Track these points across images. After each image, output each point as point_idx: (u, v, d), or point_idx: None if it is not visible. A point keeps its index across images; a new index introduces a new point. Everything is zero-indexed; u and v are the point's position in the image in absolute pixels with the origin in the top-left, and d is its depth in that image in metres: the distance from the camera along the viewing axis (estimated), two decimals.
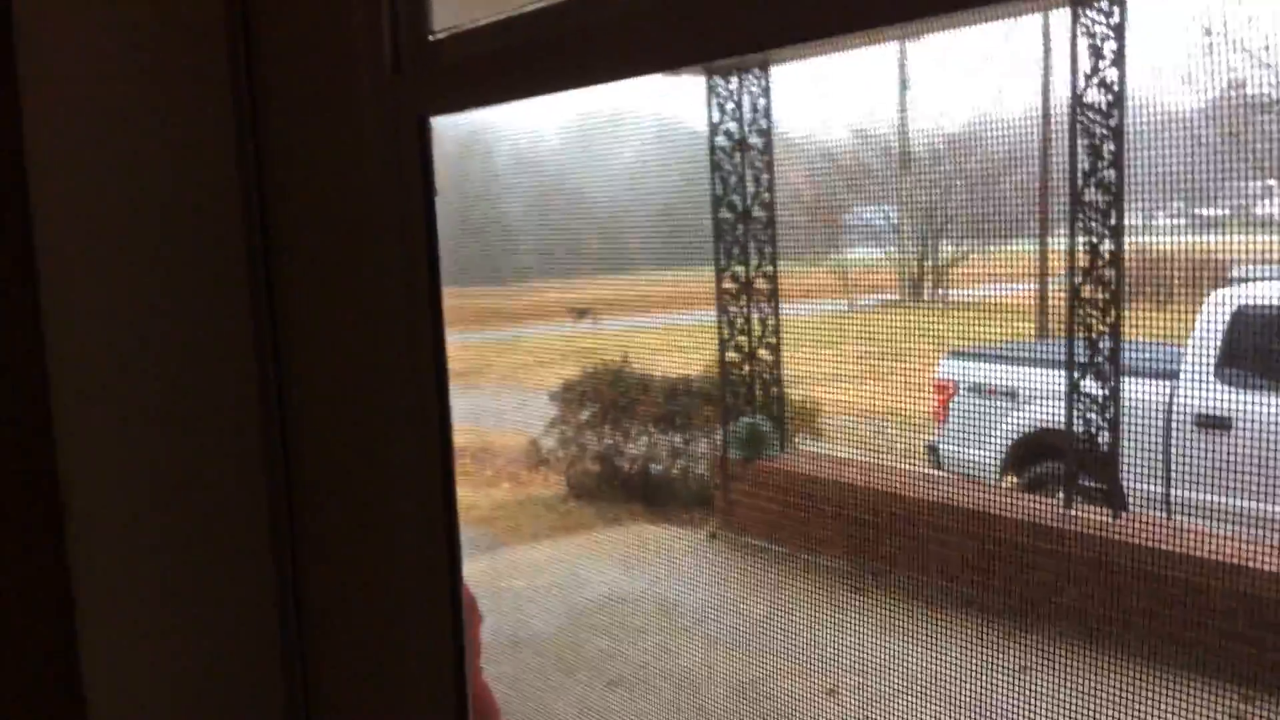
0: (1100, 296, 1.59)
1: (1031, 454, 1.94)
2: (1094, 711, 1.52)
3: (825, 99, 2.03)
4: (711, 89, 2.34)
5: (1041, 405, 1.88)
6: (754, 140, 2.33)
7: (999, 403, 1.96)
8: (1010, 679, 1.63)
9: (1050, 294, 1.78)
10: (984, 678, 1.63)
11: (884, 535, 2.05)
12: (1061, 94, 1.53)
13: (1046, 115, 1.60)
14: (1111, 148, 1.49)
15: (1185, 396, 1.50)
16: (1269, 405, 1.43)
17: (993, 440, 1.97)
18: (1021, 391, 1.94)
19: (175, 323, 1.30)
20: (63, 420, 1.21)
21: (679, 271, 2.68)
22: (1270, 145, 1.28)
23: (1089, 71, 1.50)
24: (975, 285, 2.05)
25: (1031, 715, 1.58)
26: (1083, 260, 1.58)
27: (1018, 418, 1.94)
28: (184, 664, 1.34)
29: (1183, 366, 1.51)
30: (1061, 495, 1.74)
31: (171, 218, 1.29)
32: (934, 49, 1.79)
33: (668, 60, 0.96)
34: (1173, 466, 1.56)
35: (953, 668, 1.71)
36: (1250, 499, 1.34)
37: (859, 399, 2.05)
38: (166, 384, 1.30)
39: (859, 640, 1.94)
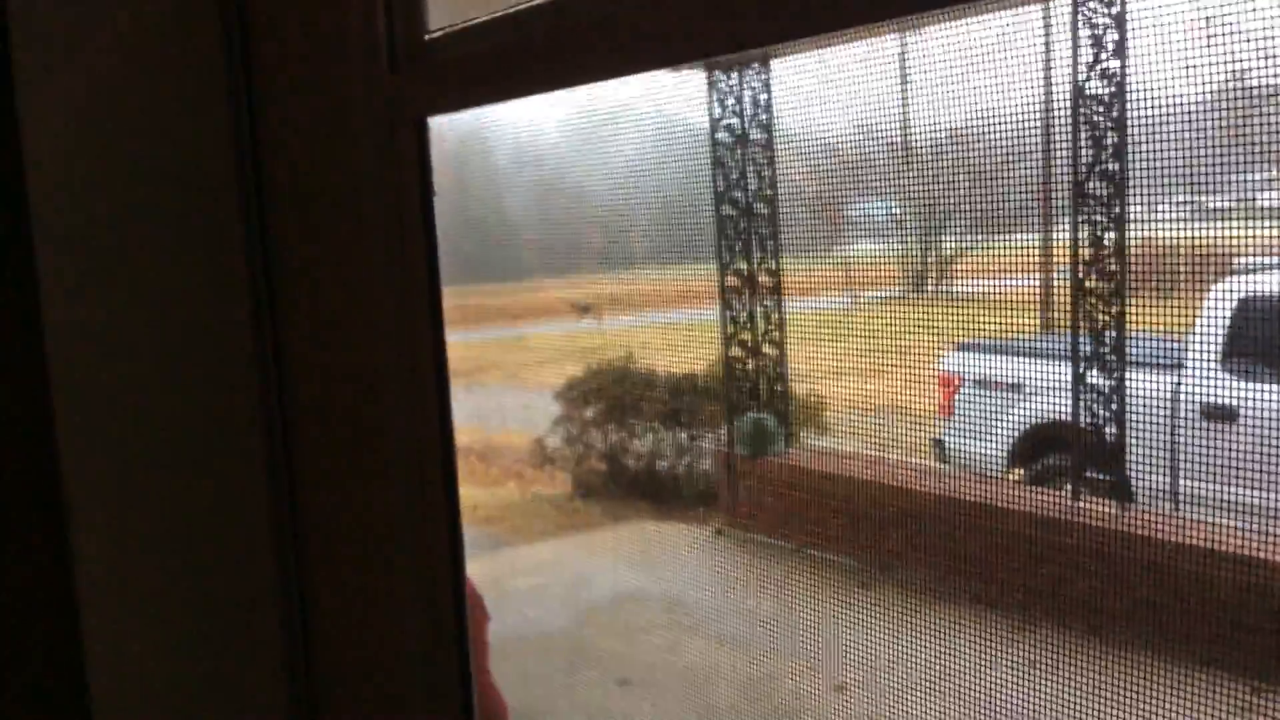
0: (1104, 288, 1.59)
1: (1037, 447, 1.93)
2: (1104, 705, 1.51)
3: (826, 93, 2.02)
4: (712, 84, 2.34)
5: (1047, 398, 1.87)
6: (756, 135, 2.32)
7: (1004, 396, 1.95)
8: (1019, 673, 1.63)
9: (1054, 286, 1.77)
10: (993, 673, 1.63)
11: (891, 530, 2.04)
12: (1063, 85, 1.52)
13: (1048, 107, 1.59)
14: (1114, 139, 1.49)
15: (1191, 388, 1.49)
16: (1276, 396, 1.43)
17: (998, 434, 1.97)
18: (1027, 385, 1.93)
19: (175, 325, 1.30)
20: (64, 422, 1.21)
21: (682, 268, 2.67)
22: (1274, 135, 1.27)
23: (1090, 62, 1.49)
24: (979, 278, 2.04)
25: (1041, 710, 1.57)
26: (1086, 252, 1.57)
27: (1023, 411, 1.93)
28: (188, 666, 1.34)
29: (1188, 358, 1.50)
30: (1069, 488, 1.74)
31: (171, 220, 1.28)
32: (934, 41, 1.78)
33: (666, 57, 0.96)
34: (1179, 458, 1.55)
35: (961, 663, 1.70)
36: (1259, 490, 1.33)
37: (864, 394, 2.05)
38: (167, 388, 1.30)
39: (867, 636, 1.93)
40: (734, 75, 2.29)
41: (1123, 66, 1.47)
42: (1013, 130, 1.64)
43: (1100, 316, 1.61)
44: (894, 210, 2.17)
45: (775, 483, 2.48)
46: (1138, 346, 1.63)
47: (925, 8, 0.74)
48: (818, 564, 2.24)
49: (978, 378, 1.97)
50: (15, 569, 1.23)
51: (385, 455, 1.26)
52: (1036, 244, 1.77)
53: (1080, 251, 1.57)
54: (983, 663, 1.66)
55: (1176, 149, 1.28)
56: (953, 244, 2.14)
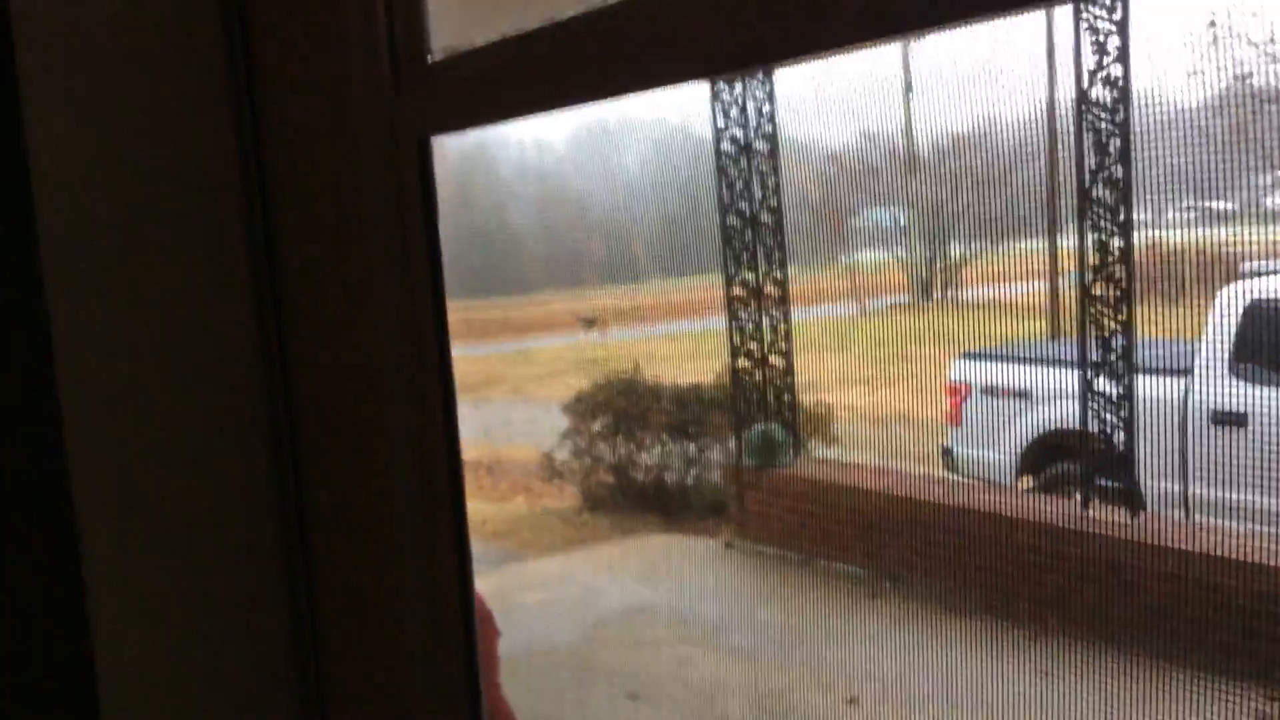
0: (1111, 294, 1.58)
1: (1047, 455, 1.92)
2: (1117, 714, 1.50)
3: (829, 102, 2.02)
4: (715, 95, 2.34)
5: (1056, 405, 1.87)
6: (759, 145, 2.32)
7: (1013, 404, 1.94)
8: (1030, 681, 1.62)
9: (1061, 292, 1.76)
10: (1003, 682, 1.62)
11: (900, 540, 2.03)
12: (1066, 91, 1.52)
13: (1052, 113, 1.59)
14: (1118, 144, 1.48)
15: (1200, 393, 1.48)
16: None
17: (1007, 442, 1.96)
18: (1035, 392, 1.92)
19: (181, 342, 1.30)
20: (70, 422, 1.21)
21: (687, 279, 2.67)
22: (1279, 137, 1.26)
23: (1093, 68, 1.48)
24: (985, 285, 2.03)
25: (1052, 717, 1.56)
26: (1093, 258, 1.56)
27: (1032, 419, 1.92)
28: (196, 677, 1.34)
29: (1197, 363, 1.49)
30: (1079, 496, 1.73)
31: (173, 221, 1.29)
32: (937, 49, 1.78)
33: (666, 77, 0.95)
34: (1190, 464, 1.54)
35: (972, 671, 1.69)
36: (1270, 495, 1.33)
37: (872, 403, 2.04)
38: (174, 403, 1.30)
39: (880, 649, 1.92)
40: (737, 85, 2.29)
41: (1126, 71, 1.46)
42: (1016, 136, 1.64)
43: (1108, 322, 1.60)
44: (899, 218, 2.17)
45: (784, 494, 2.47)
46: (1146, 352, 1.62)
47: (924, 27, 0.74)
48: (828, 575, 2.23)
49: (985, 385, 1.96)
50: (22, 569, 1.23)
51: (393, 472, 1.25)
52: (1043, 250, 1.76)
53: (1087, 257, 1.56)
54: (996, 673, 1.65)
55: (1181, 153, 1.28)
56: (958, 251, 2.13)
